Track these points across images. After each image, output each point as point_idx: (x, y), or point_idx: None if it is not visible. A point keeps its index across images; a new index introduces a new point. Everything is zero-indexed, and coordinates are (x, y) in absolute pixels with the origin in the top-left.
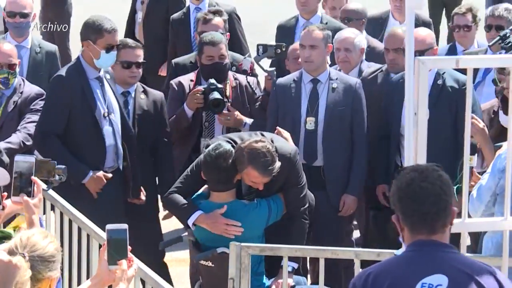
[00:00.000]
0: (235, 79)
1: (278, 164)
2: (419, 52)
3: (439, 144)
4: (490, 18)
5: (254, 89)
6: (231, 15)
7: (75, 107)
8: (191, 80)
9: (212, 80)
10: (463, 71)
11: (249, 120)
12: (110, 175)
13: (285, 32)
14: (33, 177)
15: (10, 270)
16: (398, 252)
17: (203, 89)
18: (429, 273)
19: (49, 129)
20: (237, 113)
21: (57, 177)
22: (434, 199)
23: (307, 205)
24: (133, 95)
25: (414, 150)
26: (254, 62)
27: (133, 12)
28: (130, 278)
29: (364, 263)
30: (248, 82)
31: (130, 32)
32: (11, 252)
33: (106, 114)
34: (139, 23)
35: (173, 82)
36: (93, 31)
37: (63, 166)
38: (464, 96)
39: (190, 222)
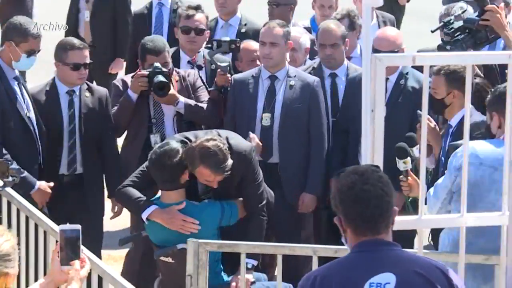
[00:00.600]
0: (177, 73)
1: (230, 162)
2: (391, 53)
3: (395, 142)
4: (445, 17)
5: (195, 80)
6: None
7: (4, 110)
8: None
9: (157, 64)
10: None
11: (183, 98)
12: (51, 183)
13: None
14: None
15: None
16: None
17: (147, 73)
18: (376, 272)
19: None
20: (172, 90)
21: (10, 178)
22: (377, 202)
23: (264, 201)
24: (77, 93)
25: (371, 147)
26: (207, 57)
27: (76, 11)
28: (83, 278)
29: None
30: (188, 75)
31: (73, 31)
32: None
33: (27, 114)
34: (85, 22)
35: (116, 81)
36: (18, 33)
37: (17, 167)
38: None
39: (144, 216)
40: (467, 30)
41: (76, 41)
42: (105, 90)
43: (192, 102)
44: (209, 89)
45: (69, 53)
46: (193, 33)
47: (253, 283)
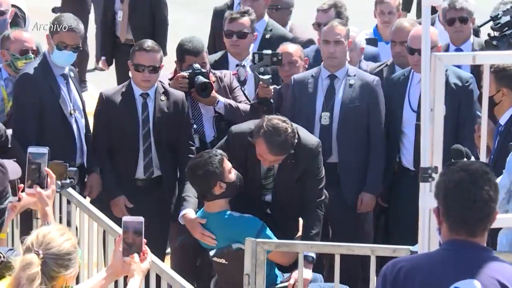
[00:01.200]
0: (213, 74)
1: (290, 148)
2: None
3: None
4: (452, 11)
5: (231, 80)
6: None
7: (44, 106)
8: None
9: (196, 65)
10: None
11: (222, 99)
12: (130, 205)
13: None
14: (46, 169)
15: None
16: (414, 248)
17: (187, 74)
18: (463, 277)
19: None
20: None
21: (68, 180)
22: (480, 205)
23: (323, 197)
24: (152, 97)
25: (430, 146)
26: (249, 70)
27: (111, 12)
28: (144, 270)
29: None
30: (224, 75)
31: (110, 33)
32: (27, 249)
33: (72, 112)
34: (120, 23)
35: None
36: (52, 25)
37: (75, 169)
38: (466, 94)
39: (179, 218)
40: None
41: (146, 43)
42: (182, 94)
43: (231, 102)
44: (251, 102)
45: (136, 53)
46: (235, 37)
47: (309, 282)
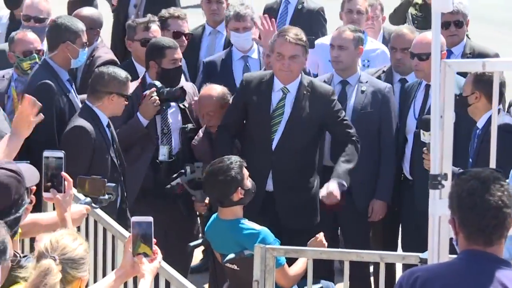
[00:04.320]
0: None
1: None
2: (426, 56)
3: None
4: (447, 14)
5: (196, 95)
6: (317, 14)
7: (62, 110)
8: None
9: (156, 82)
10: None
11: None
12: None
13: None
14: (63, 173)
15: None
16: (424, 255)
17: (155, 92)
18: None
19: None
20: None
21: (106, 196)
22: (495, 212)
23: (354, 129)
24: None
25: (440, 153)
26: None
27: (124, 16)
28: (155, 271)
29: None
30: (191, 87)
31: (122, 35)
32: (42, 255)
33: None
34: None
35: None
36: (70, 31)
37: (113, 184)
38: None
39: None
40: None
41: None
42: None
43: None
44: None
45: (167, 51)
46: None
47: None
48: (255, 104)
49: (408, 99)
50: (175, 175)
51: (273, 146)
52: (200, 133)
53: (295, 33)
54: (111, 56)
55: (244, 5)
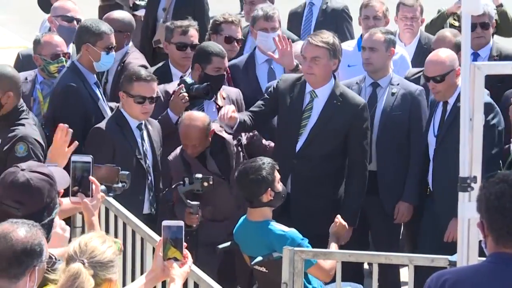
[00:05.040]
0: (223, 89)
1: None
2: (441, 77)
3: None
4: (473, 16)
5: (240, 100)
6: (342, 12)
7: (89, 113)
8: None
9: (187, 79)
10: None
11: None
12: None
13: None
14: (91, 177)
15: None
16: (453, 258)
17: (184, 89)
18: None
19: None
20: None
21: (120, 184)
22: None
23: (368, 153)
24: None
25: (469, 156)
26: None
27: (153, 19)
28: (185, 275)
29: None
30: (235, 93)
31: (150, 38)
32: (71, 258)
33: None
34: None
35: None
36: (91, 33)
37: (127, 172)
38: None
39: None
40: None
41: (143, 72)
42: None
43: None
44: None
45: (135, 84)
46: (189, 49)
47: None
48: (286, 104)
49: (430, 113)
50: (173, 185)
51: (297, 149)
52: (178, 150)
53: (321, 35)
54: (141, 61)
55: (271, 6)
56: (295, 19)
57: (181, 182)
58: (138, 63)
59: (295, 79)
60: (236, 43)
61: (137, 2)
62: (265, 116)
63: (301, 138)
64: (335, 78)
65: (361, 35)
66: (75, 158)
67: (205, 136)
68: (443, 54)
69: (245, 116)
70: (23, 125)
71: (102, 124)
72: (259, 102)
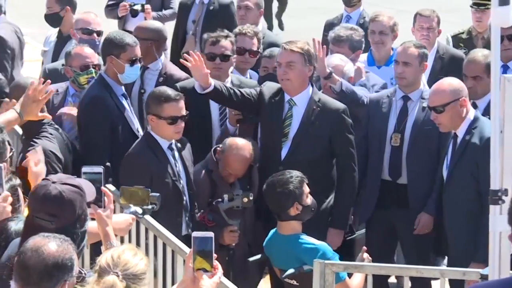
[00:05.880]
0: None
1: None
2: (443, 106)
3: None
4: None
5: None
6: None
7: (115, 125)
8: None
9: None
10: None
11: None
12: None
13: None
14: (102, 188)
15: None
16: (484, 271)
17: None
18: None
19: None
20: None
21: (150, 205)
22: None
23: (354, 156)
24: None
25: (500, 168)
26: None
27: (183, 32)
28: (214, 286)
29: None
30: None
31: (179, 51)
32: (103, 271)
33: (139, 129)
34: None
35: None
36: (115, 45)
37: (157, 194)
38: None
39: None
40: None
41: (171, 92)
42: None
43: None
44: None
45: (165, 105)
46: (218, 60)
47: None
48: (267, 112)
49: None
50: (214, 202)
51: (282, 157)
52: (201, 168)
53: (296, 43)
54: (181, 73)
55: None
56: (331, 30)
57: (220, 200)
58: (181, 76)
59: (276, 89)
60: (248, 54)
61: (135, 8)
62: (248, 103)
63: (285, 146)
64: (312, 85)
65: (370, 50)
66: (86, 169)
67: (249, 165)
68: (446, 83)
69: (224, 87)
70: (40, 138)
71: (135, 150)
72: (248, 90)
